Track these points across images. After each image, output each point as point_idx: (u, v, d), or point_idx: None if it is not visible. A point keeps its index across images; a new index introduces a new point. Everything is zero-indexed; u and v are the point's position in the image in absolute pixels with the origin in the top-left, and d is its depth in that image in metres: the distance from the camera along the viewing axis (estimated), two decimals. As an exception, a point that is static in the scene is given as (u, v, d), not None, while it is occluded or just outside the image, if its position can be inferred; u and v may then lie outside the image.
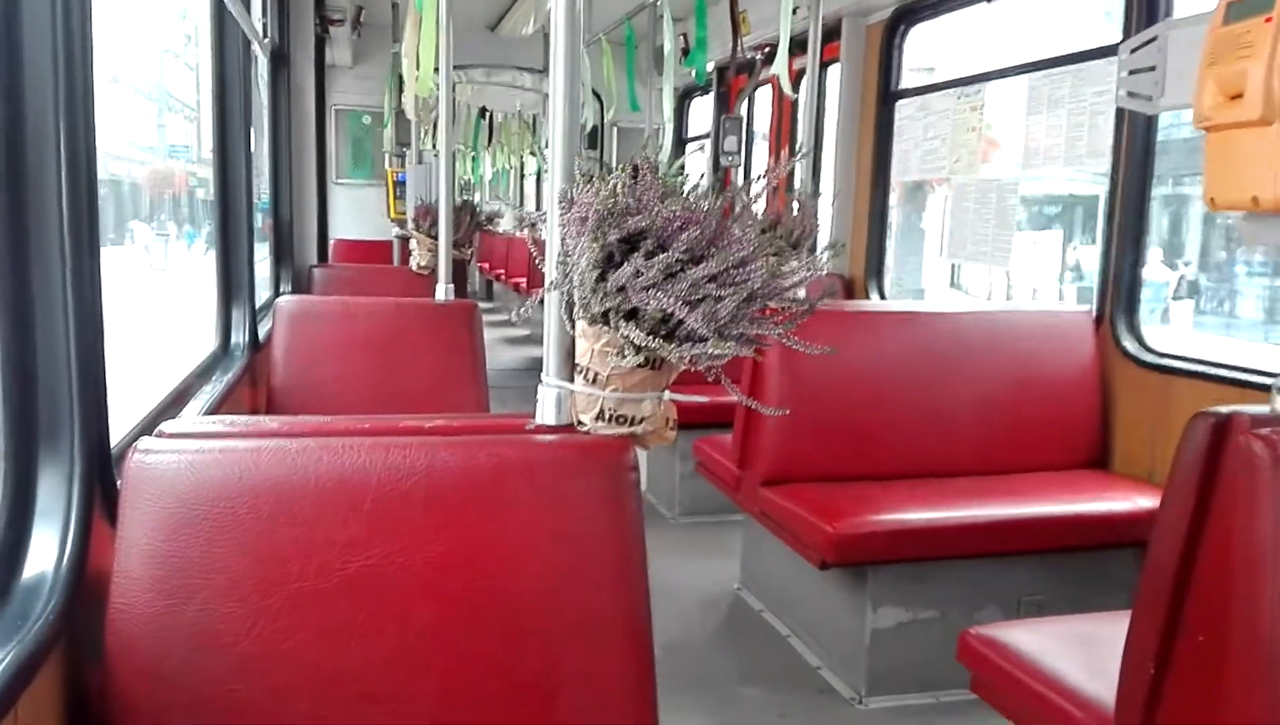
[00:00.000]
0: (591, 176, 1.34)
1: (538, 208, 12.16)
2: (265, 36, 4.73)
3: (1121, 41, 2.94)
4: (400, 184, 6.06)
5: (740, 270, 1.27)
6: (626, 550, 1.33)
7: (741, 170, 5.91)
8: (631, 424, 1.36)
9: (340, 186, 7.33)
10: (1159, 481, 2.87)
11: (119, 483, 1.27)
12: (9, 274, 1.22)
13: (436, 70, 3.77)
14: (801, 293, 1.48)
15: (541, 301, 1.41)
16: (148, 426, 1.75)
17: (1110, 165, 3.24)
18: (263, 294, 4.21)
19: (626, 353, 1.30)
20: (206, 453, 1.25)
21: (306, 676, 1.22)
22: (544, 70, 7.77)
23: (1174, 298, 10.51)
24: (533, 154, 12.14)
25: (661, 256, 1.24)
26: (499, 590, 1.28)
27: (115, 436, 1.45)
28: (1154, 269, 10.03)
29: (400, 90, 5.31)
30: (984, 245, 4.11)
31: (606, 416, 1.36)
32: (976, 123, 4.18)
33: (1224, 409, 1.44)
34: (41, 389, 1.25)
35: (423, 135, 6.06)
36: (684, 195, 1.31)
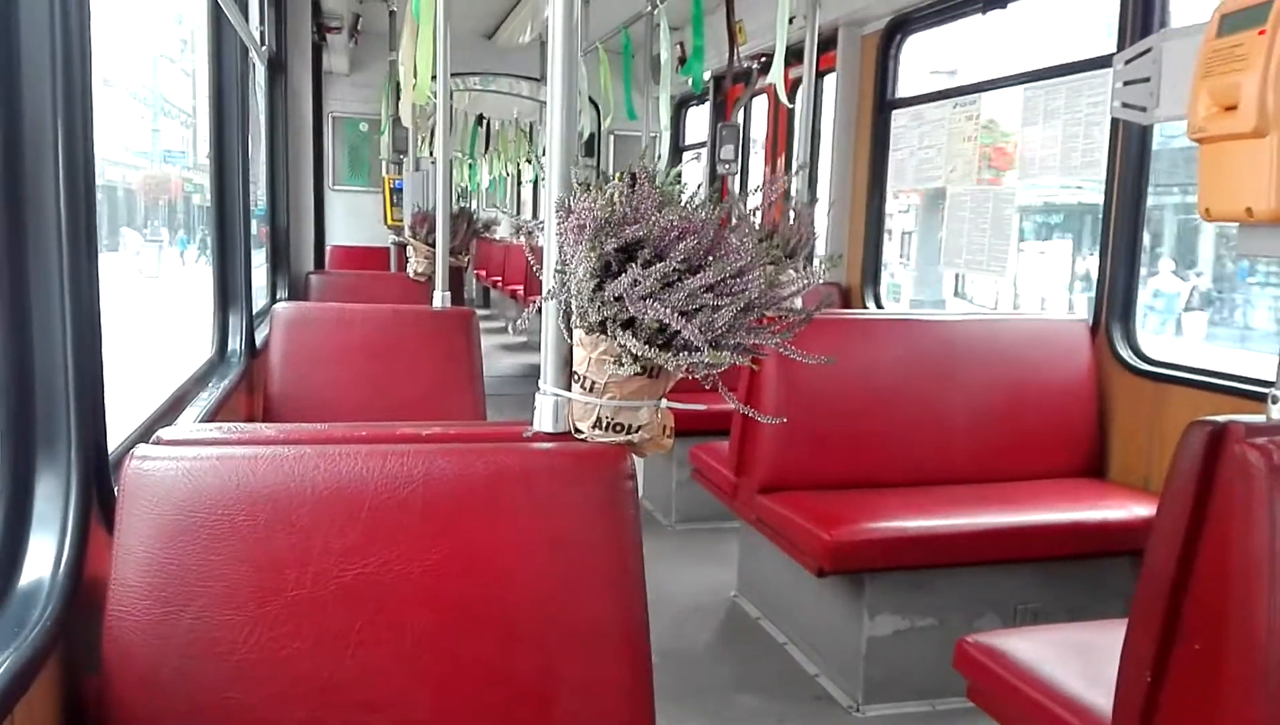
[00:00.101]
0: (589, 185, 1.35)
1: (534, 215, 12.19)
2: (262, 44, 4.73)
3: (1116, 53, 2.96)
4: (397, 191, 6.06)
5: (738, 280, 1.27)
6: (624, 558, 1.33)
7: (738, 179, 5.93)
8: (629, 432, 1.36)
9: (337, 193, 7.33)
10: (1155, 490, 2.88)
11: (116, 490, 1.27)
12: (6, 279, 1.22)
13: (433, 78, 3.78)
14: (798, 302, 1.48)
15: (539, 310, 1.42)
16: (145, 433, 1.75)
17: (1105, 175, 3.26)
18: (260, 301, 4.21)
19: (624, 361, 1.30)
20: (204, 460, 1.25)
21: (303, 684, 1.22)
22: (541, 78, 7.80)
23: (1186, 309, 10.35)
24: (529, 161, 12.16)
25: (659, 266, 1.25)
26: (496, 598, 1.28)
27: (112, 443, 1.45)
28: (1165, 280, 9.82)
29: (397, 98, 5.31)
30: (980, 254, 4.12)
31: (604, 424, 1.36)
32: (972, 132, 4.20)
33: (1220, 418, 1.45)
34: (39, 395, 1.25)
35: (420, 142, 6.06)
36: (681, 205, 1.31)
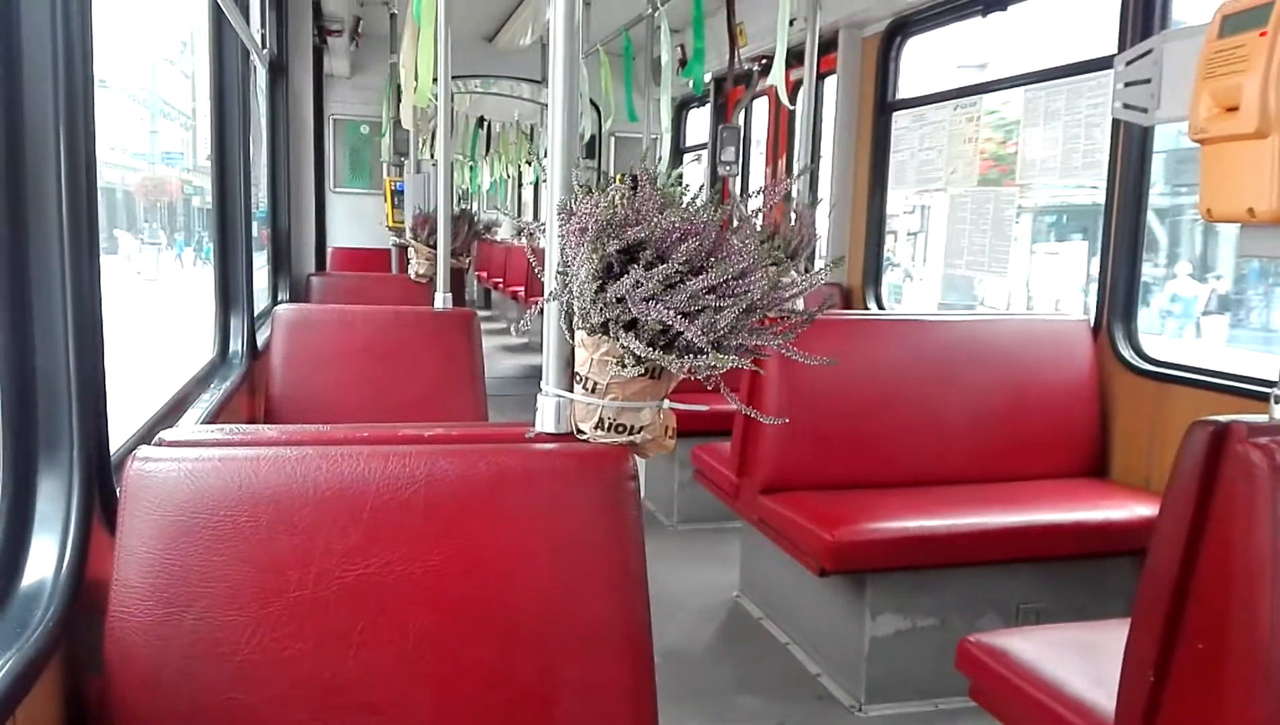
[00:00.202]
0: (590, 187, 1.35)
1: (535, 217, 12.20)
2: (264, 47, 4.74)
3: (1117, 54, 2.96)
4: (398, 193, 6.06)
5: (740, 281, 1.27)
6: (626, 559, 1.33)
7: (739, 180, 5.93)
8: (631, 433, 1.36)
9: (338, 195, 7.33)
10: (1157, 489, 2.88)
11: (118, 491, 1.27)
12: (8, 280, 1.22)
13: (434, 80, 3.78)
14: (800, 303, 1.48)
15: (541, 311, 1.42)
16: (147, 435, 1.75)
17: (1106, 177, 3.26)
18: (261, 303, 4.21)
19: (626, 362, 1.30)
20: (205, 461, 1.25)
21: (305, 685, 1.22)
22: (541, 80, 7.80)
23: (1205, 312, 9.91)
24: (529, 163, 12.17)
25: (661, 267, 1.25)
26: (498, 599, 1.28)
27: (114, 445, 1.45)
28: (1183, 283, 9.60)
29: (398, 100, 5.32)
30: (981, 255, 4.12)
31: (606, 425, 1.36)
32: (973, 134, 4.20)
33: (1222, 418, 1.45)
34: (41, 396, 1.25)
35: (421, 145, 6.07)
36: (683, 206, 1.32)
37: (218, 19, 3.07)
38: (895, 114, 4.74)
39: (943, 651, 2.64)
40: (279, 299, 4.98)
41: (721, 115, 6.52)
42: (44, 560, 1.21)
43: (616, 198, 1.29)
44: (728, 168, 5.40)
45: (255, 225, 3.88)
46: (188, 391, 2.57)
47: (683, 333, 1.26)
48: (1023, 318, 3.52)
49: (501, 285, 11.19)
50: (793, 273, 1.37)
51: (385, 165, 6.63)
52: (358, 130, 7.48)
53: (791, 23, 3.79)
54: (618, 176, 1.32)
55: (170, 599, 1.20)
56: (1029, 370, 3.26)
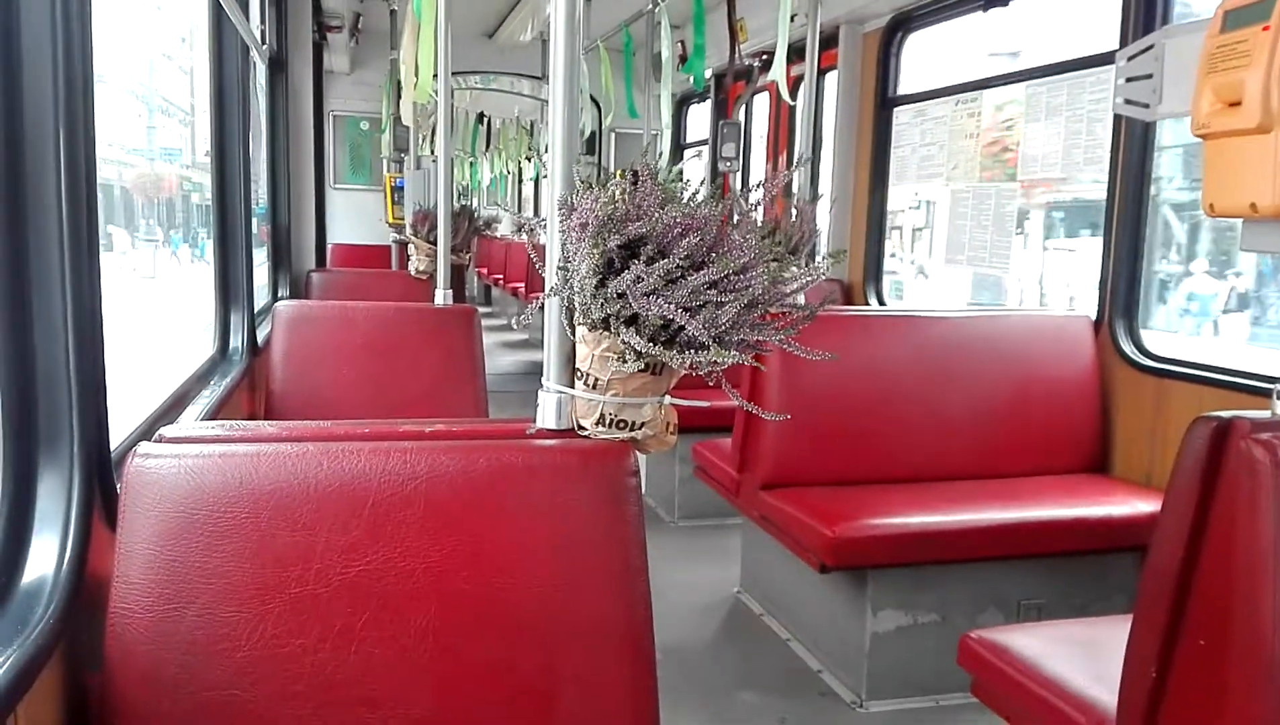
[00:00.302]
0: (591, 183, 1.34)
1: (535, 213, 12.20)
2: (263, 43, 4.73)
3: (1118, 49, 2.95)
4: (398, 189, 6.06)
5: (741, 276, 1.27)
6: (627, 555, 1.33)
7: (740, 176, 5.93)
8: (632, 429, 1.36)
9: (338, 192, 7.33)
10: (1158, 485, 2.88)
11: (118, 487, 1.26)
12: (8, 277, 1.22)
13: (434, 76, 3.78)
14: (801, 298, 1.48)
15: (542, 307, 1.41)
16: (147, 431, 1.74)
17: (1108, 172, 3.25)
18: (261, 299, 4.21)
19: (627, 358, 1.30)
20: (206, 457, 1.25)
21: (306, 681, 1.22)
22: (541, 76, 7.79)
23: (1224, 311, 9.89)
24: (529, 159, 12.16)
25: (662, 263, 1.25)
26: (499, 595, 1.28)
27: (114, 441, 1.45)
28: (1200, 281, 9.39)
29: (398, 96, 5.31)
30: (981, 251, 4.12)
31: (607, 421, 1.36)
32: (974, 129, 4.19)
33: (1225, 414, 1.44)
34: (41, 394, 1.25)
35: (421, 141, 6.06)
36: (684, 201, 1.31)
37: (217, 15, 3.06)
38: (896, 109, 4.73)
39: (944, 647, 2.64)
40: (279, 295, 4.98)
41: (722, 111, 6.51)
42: (44, 557, 1.21)
43: (617, 193, 1.29)
44: (728, 164, 5.39)
45: (255, 221, 3.87)
46: (188, 388, 2.57)
47: (684, 328, 1.26)
48: (1024, 313, 3.52)
49: (502, 281, 11.18)
50: (793, 268, 1.36)
51: (385, 161, 6.63)
52: (358, 126, 7.47)
53: (793, 18, 3.78)
54: (618, 172, 1.32)
55: (171, 595, 1.20)
56: (1031, 366, 3.25)
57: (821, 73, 4.94)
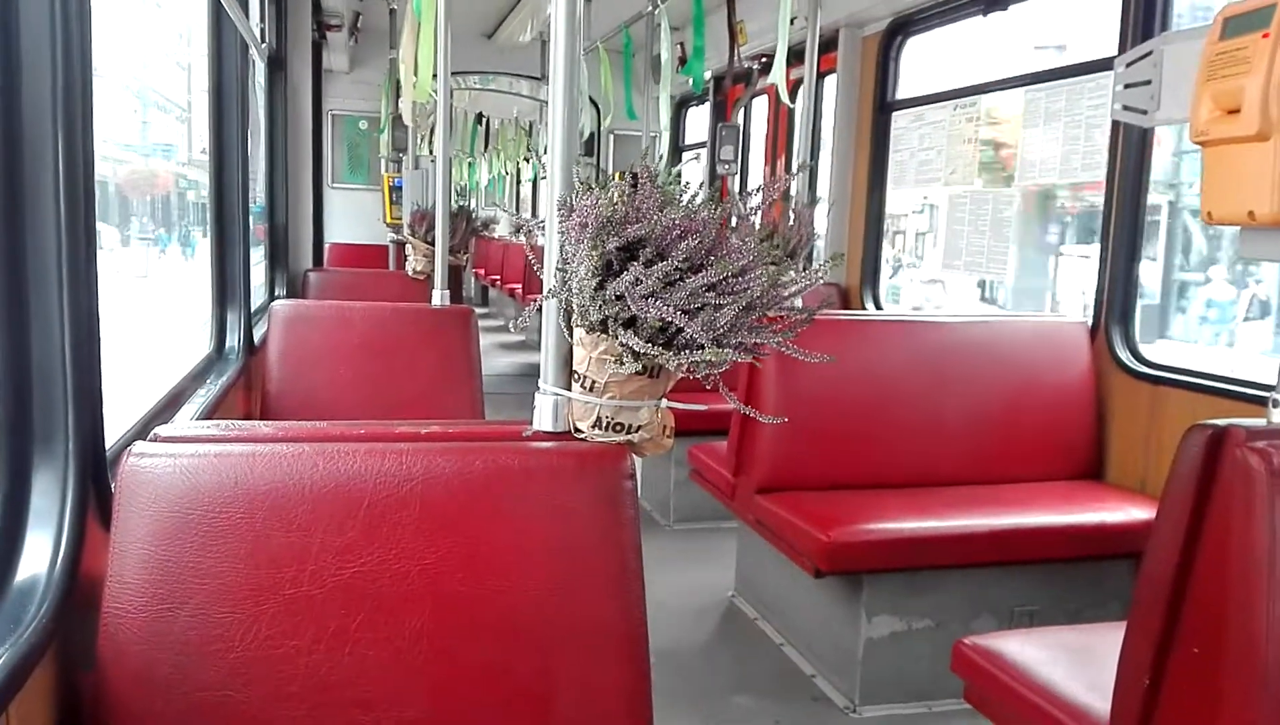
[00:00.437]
0: (590, 184, 1.34)
1: (533, 214, 12.20)
2: (263, 41, 4.73)
3: (1117, 55, 2.96)
4: (396, 189, 6.05)
5: (739, 279, 1.27)
6: (623, 558, 1.33)
7: (738, 179, 5.93)
8: (628, 432, 1.36)
9: (336, 191, 7.33)
10: (1153, 492, 2.88)
11: (113, 487, 1.26)
12: (5, 277, 1.22)
13: (434, 76, 3.77)
14: (799, 302, 1.48)
15: (539, 309, 1.41)
16: (142, 431, 1.74)
17: (1105, 178, 3.26)
18: (258, 298, 4.20)
19: (625, 360, 1.30)
20: (201, 457, 1.25)
21: (300, 683, 1.22)
22: (541, 77, 7.79)
23: (1245, 318, 9.13)
24: (527, 160, 12.16)
25: (661, 265, 1.25)
26: (494, 597, 1.28)
27: (110, 440, 1.44)
28: (1218, 288, 8.92)
29: (397, 96, 5.31)
30: (978, 256, 4.12)
31: (604, 424, 1.35)
32: (972, 134, 4.20)
33: (1220, 421, 1.44)
34: (36, 392, 1.25)
35: (419, 141, 6.06)
36: (683, 204, 1.31)
37: (217, 13, 3.06)
38: (895, 113, 4.73)
39: (938, 653, 2.64)
40: (276, 294, 4.97)
41: (721, 114, 6.52)
42: (38, 556, 1.21)
43: (616, 195, 1.29)
44: (727, 166, 5.40)
45: (252, 220, 3.87)
46: (184, 387, 2.57)
47: (682, 330, 1.26)
48: (1020, 319, 3.52)
49: (499, 282, 11.17)
50: (791, 272, 1.36)
51: (384, 161, 6.62)
52: (356, 126, 7.47)
53: (792, 21, 3.78)
54: (617, 174, 1.32)
55: (165, 595, 1.19)
56: (1026, 372, 3.26)
57: (821, 76, 4.94)
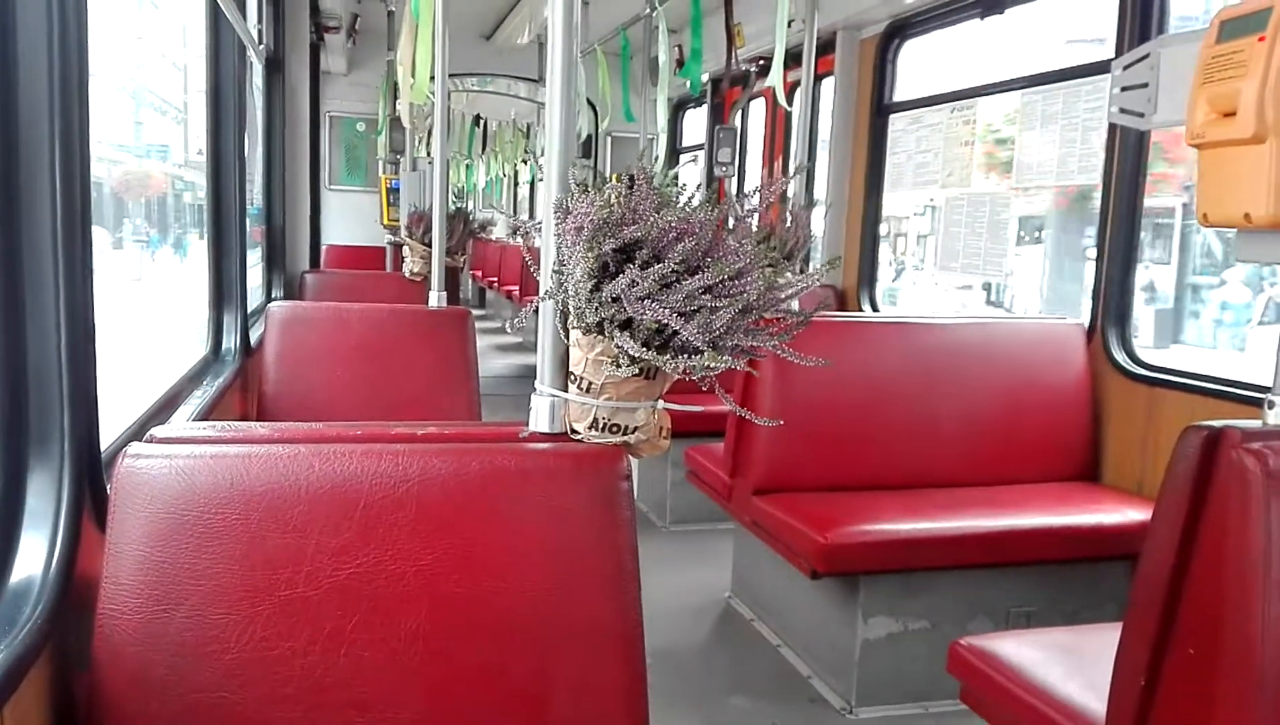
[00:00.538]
0: (587, 186, 1.34)
1: (531, 216, 12.17)
2: (260, 43, 4.73)
3: (1114, 58, 2.97)
4: (394, 191, 6.05)
5: (736, 281, 1.27)
6: (619, 559, 1.32)
7: (735, 181, 5.94)
8: (625, 433, 1.36)
9: (333, 193, 7.32)
10: (1149, 494, 2.88)
11: (108, 488, 1.26)
12: (1, 278, 1.22)
13: (431, 78, 3.77)
14: (795, 304, 1.48)
15: (536, 311, 1.41)
16: (138, 432, 1.74)
17: (1102, 181, 3.27)
18: (255, 300, 4.20)
19: (621, 362, 1.30)
20: (197, 458, 1.24)
21: (296, 684, 1.21)
22: (538, 79, 7.79)
23: (1261, 321, 8.70)
24: (525, 162, 12.16)
25: (657, 267, 1.24)
26: (491, 598, 1.28)
27: (105, 441, 1.44)
28: (1233, 291, 8.57)
29: (395, 97, 5.31)
30: (975, 258, 4.13)
31: (600, 425, 1.35)
32: (969, 137, 4.20)
33: (1216, 423, 1.45)
34: (32, 393, 1.25)
35: (417, 142, 6.06)
36: (680, 206, 1.31)
37: (214, 14, 3.06)
38: (892, 116, 4.74)
39: (934, 654, 2.64)
40: (273, 296, 4.97)
41: (718, 116, 6.52)
42: (33, 557, 1.20)
43: (613, 197, 1.29)
44: (724, 169, 5.40)
45: (249, 222, 3.87)
46: (180, 388, 2.56)
47: (678, 332, 1.26)
48: (1017, 321, 3.53)
49: (496, 284, 11.17)
50: (788, 274, 1.36)
51: (381, 163, 6.62)
52: (354, 127, 7.47)
53: (790, 24, 3.79)
54: (614, 176, 1.32)
55: (160, 597, 1.19)
56: (1022, 374, 3.26)
57: (818, 78, 4.94)
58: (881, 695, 2.80)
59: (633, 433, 1.36)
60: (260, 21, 4.78)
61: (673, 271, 1.25)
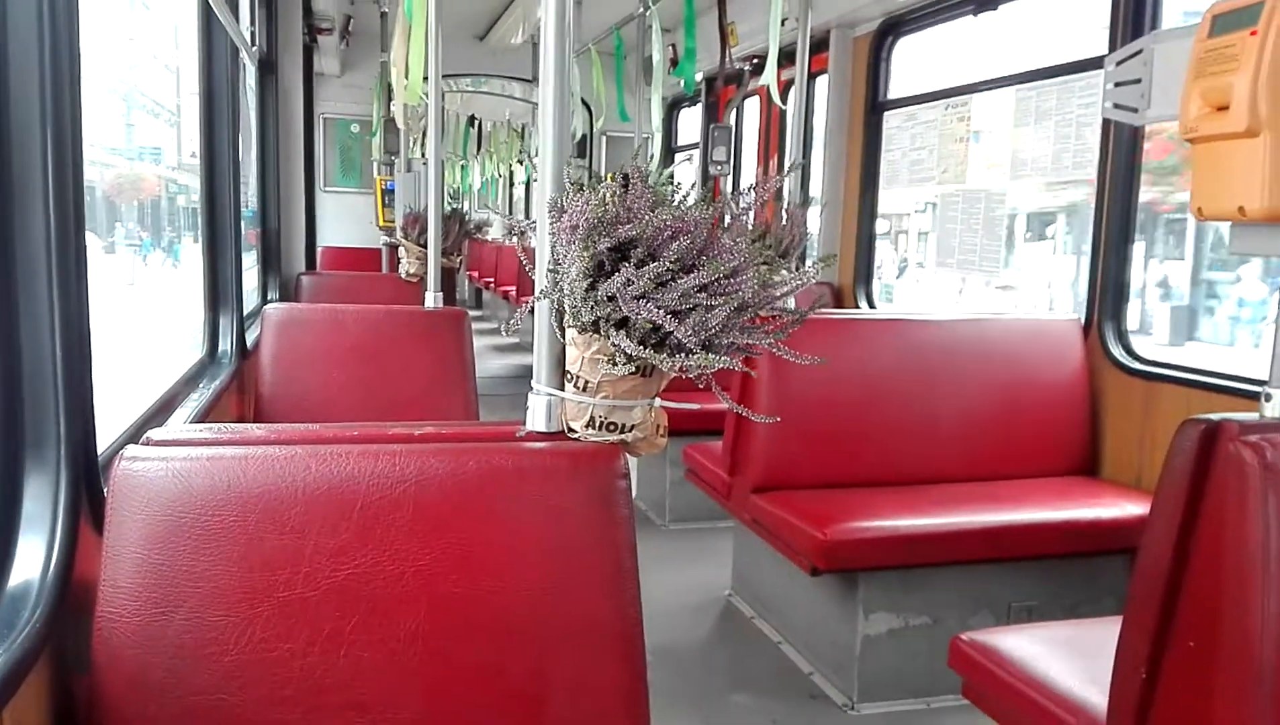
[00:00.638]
0: (582, 185, 1.34)
1: (526, 216, 12.19)
2: (253, 44, 4.72)
3: (1107, 54, 2.97)
4: (389, 192, 6.05)
5: (731, 280, 1.27)
6: (618, 557, 1.32)
7: (730, 180, 5.94)
8: (622, 431, 1.36)
9: (328, 194, 7.31)
10: (1147, 488, 2.89)
11: (106, 490, 1.26)
12: (-5, 281, 1.21)
13: (425, 79, 3.77)
14: (791, 302, 1.48)
15: (532, 310, 1.41)
16: (135, 434, 1.73)
17: (1097, 176, 3.27)
18: (251, 302, 4.19)
19: (617, 361, 1.30)
20: (194, 460, 1.24)
21: (295, 685, 1.21)
22: (533, 79, 7.79)
23: (1277, 318, 8.88)
24: (520, 162, 12.15)
25: (652, 266, 1.24)
26: (489, 598, 1.28)
27: (102, 444, 1.44)
28: (1249, 287, 8.50)
29: (389, 98, 5.31)
30: (971, 255, 4.13)
31: (597, 424, 1.35)
32: (964, 133, 4.21)
33: (1213, 416, 1.45)
34: (28, 397, 1.24)
35: (411, 144, 6.05)
36: (674, 205, 1.31)
37: (207, 15, 3.05)
38: (886, 113, 4.74)
39: (935, 650, 2.64)
40: (268, 298, 4.96)
41: (713, 115, 6.52)
42: (31, 560, 1.20)
43: (608, 196, 1.29)
44: (719, 167, 5.40)
45: (244, 224, 3.86)
46: (176, 391, 2.56)
47: (673, 332, 1.26)
48: (1014, 317, 3.53)
49: (492, 285, 11.16)
50: (783, 272, 1.36)
51: (376, 164, 6.62)
52: (348, 129, 7.46)
53: (783, 22, 3.79)
54: (609, 175, 1.32)
55: (158, 599, 1.19)
56: (1020, 369, 3.27)
57: (812, 77, 4.96)
58: (883, 691, 2.80)
59: (630, 431, 1.36)
60: (253, 23, 4.77)
61: (668, 270, 1.25)
